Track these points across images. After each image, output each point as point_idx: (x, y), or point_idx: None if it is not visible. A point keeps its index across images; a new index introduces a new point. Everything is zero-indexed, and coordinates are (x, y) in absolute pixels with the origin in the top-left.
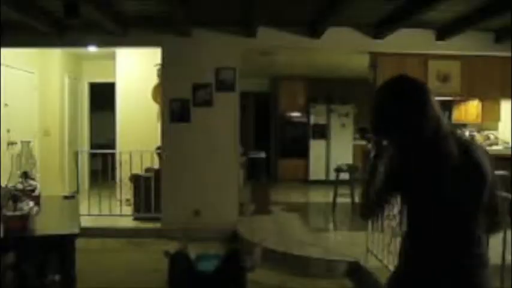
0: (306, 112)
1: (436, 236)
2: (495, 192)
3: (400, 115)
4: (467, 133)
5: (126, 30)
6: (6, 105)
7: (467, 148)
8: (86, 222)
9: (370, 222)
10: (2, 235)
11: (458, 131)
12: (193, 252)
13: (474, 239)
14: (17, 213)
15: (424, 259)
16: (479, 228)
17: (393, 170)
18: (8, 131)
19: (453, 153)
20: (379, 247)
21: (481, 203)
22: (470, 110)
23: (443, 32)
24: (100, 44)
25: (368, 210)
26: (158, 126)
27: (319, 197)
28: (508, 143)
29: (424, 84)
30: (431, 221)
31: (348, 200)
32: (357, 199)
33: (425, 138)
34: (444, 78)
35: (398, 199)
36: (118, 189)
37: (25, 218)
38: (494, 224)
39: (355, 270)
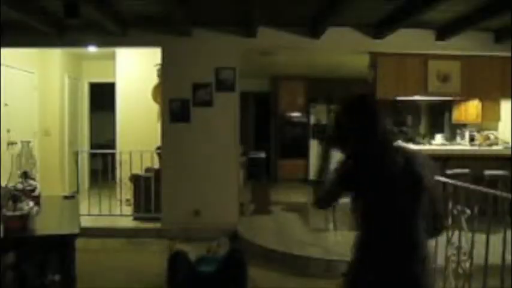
0: (306, 112)
1: (379, 237)
2: (437, 199)
3: (351, 128)
4: (467, 133)
5: (126, 30)
6: (6, 105)
7: (410, 159)
8: (86, 222)
9: None
10: (2, 235)
11: (403, 145)
12: (193, 252)
13: (415, 240)
14: (17, 213)
15: (371, 260)
16: (420, 231)
17: (344, 173)
18: (8, 131)
19: (397, 162)
20: None
21: (420, 208)
22: (470, 110)
23: (443, 32)
24: (100, 44)
25: (322, 204)
26: (158, 126)
27: None
28: (508, 143)
29: (373, 102)
30: (376, 223)
31: (348, 199)
32: None
33: (372, 148)
34: (444, 78)
35: None
36: (118, 189)
37: (25, 218)
38: (437, 229)
39: None
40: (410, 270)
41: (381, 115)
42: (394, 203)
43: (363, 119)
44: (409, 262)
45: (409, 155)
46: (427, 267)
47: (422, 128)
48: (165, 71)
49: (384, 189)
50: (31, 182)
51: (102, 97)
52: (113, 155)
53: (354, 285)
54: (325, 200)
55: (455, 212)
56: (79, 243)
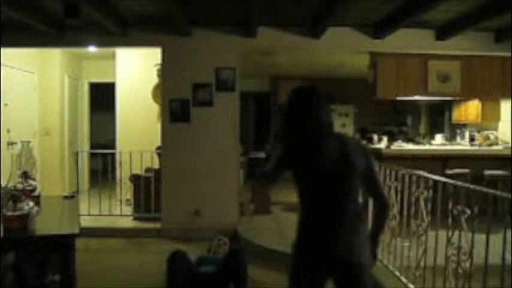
0: None
1: (315, 218)
2: (373, 177)
3: (291, 114)
4: (467, 133)
5: (126, 30)
6: (6, 105)
7: (345, 144)
8: (86, 222)
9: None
10: (2, 235)
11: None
12: (193, 252)
13: (347, 213)
14: (17, 213)
15: (307, 231)
16: (354, 211)
17: (283, 154)
18: (8, 131)
19: (331, 148)
20: (379, 247)
21: (354, 190)
22: (470, 110)
23: (443, 32)
24: (100, 44)
25: (264, 179)
26: (158, 126)
27: None
28: (508, 143)
29: (311, 93)
30: (311, 204)
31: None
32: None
33: (307, 135)
34: (444, 78)
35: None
36: (118, 189)
37: (25, 218)
38: (382, 204)
39: None
40: (335, 236)
41: (314, 105)
42: (327, 186)
43: (296, 108)
44: (334, 230)
45: (344, 141)
46: (356, 236)
47: (422, 128)
48: (165, 71)
49: (317, 173)
50: (31, 182)
51: (102, 97)
52: (113, 155)
53: (296, 266)
54: (267, 175)
55: (455, 212)
56: (79, 243)
